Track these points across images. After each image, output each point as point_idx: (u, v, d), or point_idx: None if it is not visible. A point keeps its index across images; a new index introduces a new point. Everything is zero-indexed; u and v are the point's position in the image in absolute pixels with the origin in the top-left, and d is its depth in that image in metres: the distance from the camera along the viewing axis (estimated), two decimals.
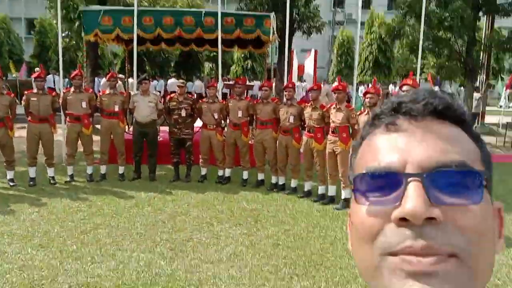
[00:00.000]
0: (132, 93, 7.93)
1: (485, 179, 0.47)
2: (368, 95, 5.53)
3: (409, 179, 0.45)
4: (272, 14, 8.86)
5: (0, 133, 6.56)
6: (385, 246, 0.45)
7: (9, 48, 24.58)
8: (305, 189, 6.64)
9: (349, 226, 0.55)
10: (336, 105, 6.09)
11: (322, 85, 17.31)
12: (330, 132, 6.17)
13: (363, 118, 5.63)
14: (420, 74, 23.02)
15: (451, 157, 0.46)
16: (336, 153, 6.05)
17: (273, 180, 7.01)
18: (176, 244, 4.65)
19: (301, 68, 18.39)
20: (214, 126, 7.17)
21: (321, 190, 6.44)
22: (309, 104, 6.49)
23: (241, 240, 4.79)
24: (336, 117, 6.03)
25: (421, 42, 8.17)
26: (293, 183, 6.81)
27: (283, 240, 4.84)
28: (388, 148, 0.49)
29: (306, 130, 6.53)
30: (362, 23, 25.16)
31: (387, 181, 0.47)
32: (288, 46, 13.51)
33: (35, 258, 4.24)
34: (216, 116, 7.11)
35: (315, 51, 17.84)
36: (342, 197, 6.11)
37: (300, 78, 18.04)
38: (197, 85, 19.75)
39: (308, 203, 6.29)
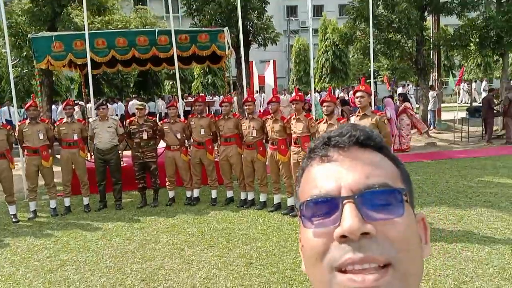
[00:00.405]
0: (90, 119, 7.75)
1: (405, 195, 0.56)
2: (324, 104, 5.64)
3: (344, 201, 0.54)
4: (226, 29, 8.93)
5: None
6: (331, 261, 0.53)
7: None
8: (275, 202, 6.67)
9: (301, 249, 0.61)
10: (295, 115, 6.17)
11: (282, 95, 17.54)
12: (292, 143, 6.24)
13: (322, 127, 5.73)
14: (376, 77, 23.78)
15: (374, 180, 0.55)
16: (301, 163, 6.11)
17: (242, 196, 7.00)
18: (147, 274, 4.54)
19: (261, 79, 18.60)
20: (178, 146, 7.10)
21: (290, 202, 6.48)
22: (270, 117, 6.55)
23: (213, 262, 4.74)
24: (297, 128, 6.11)
25: (371, 45, 8.43)
26: (262, 197, 6.83)
27: (256, 258, 4.82)
28: (324, 177, 0.57)
29: (270, 142, 6.58)
30: (316, 30, 25.81)
31: (327, 205, 0.55)
32: (246, 58, 13.65)
33: None
34: (179, 136, 7.05)
35: (274, 62, 18.08)
36: None
37: (261, 89, 18.22)
38: (159, 105, 19.59)
39: (278, 217, 6.31)
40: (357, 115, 5.44)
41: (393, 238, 0.53)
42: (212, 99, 18.97)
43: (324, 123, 5.73)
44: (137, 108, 7.37)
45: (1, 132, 6.64)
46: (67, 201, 7.16)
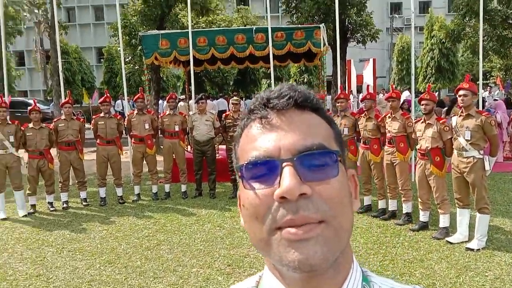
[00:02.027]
0: (190, 113, 8.24)
1: (339, 155, 0.59)
2: (423, 102, 5.32)
3: (283, 164, 0.56)
4: (322, 25, 8.85)
5: (71, 156, 7.09)
6: (271, 222, 0.55)
7: (82, 76, 26.54)
8: (364, 204, 6.48)
9: (239, 206, 0.63)
10: (391, 114, 5.92)
11: (380, 95, 16.87)
12: (386, 142, 6.00)
13: (419, 127, 5.42)
14: (488, 78, 21.70)
15: (312, 141, 0.58)
16: (394, 164, 5.86)
17: None
18: (233, 260, 4.73)
19: (359, 78, 18.08)
20: None
21: (381, 204, 6.25)
22: (363, 114, 6.37)
23: None
24: (392, 127, 5.86)
25: (481, 43, 7.70)
26: None
27: None
28: (264, 139, 0.59)
29: (362, 141, 6.40)
30: (422, 28, 24.37)
31: (266, 167, 0.57)
32: (343, 56, 13.39)
33: (103, 273, 4.51)
34: None
35: (374, 60, 17.48)
36: (404, 212, 5.87)
37: (360, 89, 17.72)
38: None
39: (367, 219, 6.12)
40: (460, 115, 5.06)
41: (327, 197, 0.56)
42: None
43: (422, 122, 5.41)
44: (232, 103, 7.66)
45: (113, 121, 7.36)
46: (167, 187, 7.71)
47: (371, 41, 14.47)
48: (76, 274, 4.51)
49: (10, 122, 6.69)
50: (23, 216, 6.68)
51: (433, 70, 22.02)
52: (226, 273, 4.42)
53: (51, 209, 7.02)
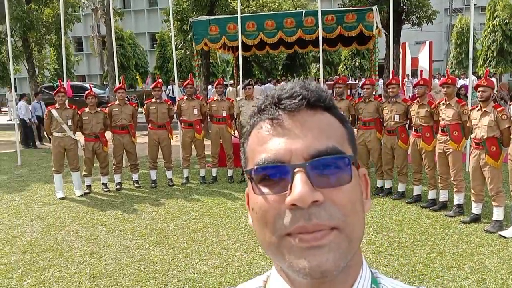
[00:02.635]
0: (238, 98, 8.30)
1: (352, 158, 0.57)
2: (479, 89, 5.02)
3: (295, 169, 0.54)
4: (375, 7, 8.54)
5: (124, 140, 7.39)
6: (282, 228, 0.54)
7: (136, 62, 27.40)
8: (414, 194, 6.28)
9: (247, 205, 0.62)
10: (445, 100, 5.65)
11: (436, 79, 16.14)
12: (439, 130, 5.75)
13: (475, 114, 5.14)
14: None
15: (325, 144, 0.56)
16: (447, 153, 5.61)
17: (379, 184, 6.75)
18: None
19: (414, 62, 17.35)
20: None
21: (431, 195, 6.02)
22: (415, 101, 6.13)
23: None
24: (446, 114, 5.59)
25: None
26: (401, 187, 6.48)
27: (386, 247, 4.65)
28: (275, 141, 0.57)
29: (413, 129, 6.17)
30: (483, 8, 22.89)
31: (277, 172, 0.55)
32: (397, 39, 12.88)
33: (151, 253, 4.72)
34: None
35: (430, 43, 16.69)
36: (455, 203, 5.63)
37: (415, 73, 17.02)
38: None
39: (416, 209, 5.94)
40: (478, 110, 5.06)
41: (340, 204, 0.55)
42: (355, 81, 18.45)
43: (478, 110, 5.12)
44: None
45: (163, 106, 7.57)
46: (214, 171, 7.87)
47: (427, 23, 13.80)
48: (127, 253, 4.74)
49: (68, 107, 7.06)
50: (79, 196, 7.09)
51: (495, 54, 20.67)
52: (269, 258, 4.46)
53: (105, 190, 7.39)
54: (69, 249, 4.89)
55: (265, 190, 0.56)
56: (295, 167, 0.54)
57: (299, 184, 0.53)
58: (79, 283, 4.05)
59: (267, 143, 0.58)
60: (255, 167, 0.57)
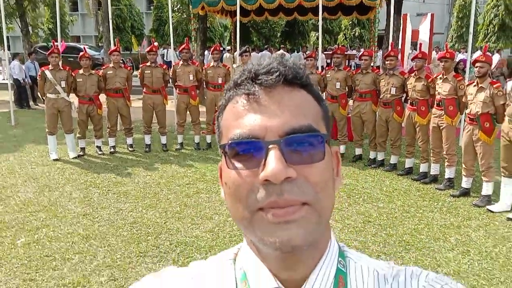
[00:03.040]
0: (234, 65, 8.21)
1: (326, 136, 0.58)
2: (477, 64, 4.99)
3: (269, 146, 0.54)
4: None
5: (119, 103, 7.34)
6: (254, 203, 0.55)
7: (132, 23, 26.80)
8: (406, 166, 6.34)
9: (220, 179, 0.62)
10: (442, 75, 5.62)
11: (434, 52, 15.98)
12: (435, 104, 5.75)
13: (471, 90, 5.13)
14: None
15: (300, 122, 0.56)
16: (441, 128, 5.64)
17: (372, 155, 6.80)
18: None
19: (415, 34, 17.12)
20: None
21: (423, 168, 6.10)
22: (412, 74, 6.09)
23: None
24: (443, 89, 5.58)
25: None
26: (393, 160, 6.54)
27: (375, 217, 4.74)
28: (250, 117, 0.57)
29: (409, 102, 6.17)
30: None
31: (251, 147, 0.56)
32: (398, 10, 12.64)
33: (144, 216, 4.78)
34: None
35: (432, 15, 16.41)
36: (446, 177, 5.71)
37: (415, 45, 16.84)
38: (295, 56, 19.72)
39: (407, 181, 6.02)
40: (474, 85, 5.05)
41: (313, 181, 0.55)
42: (354, 52, 18.26)
43: (474, 85, 5.11)
44: None
45: (158, 71, 7.48)
46: (208, 138, 7.87)
47: None
48: (120, 215, 4.80)
49: (62, 68, 6.95)
50: (73, 158, 7.09)
51: (496, 28, 20.41)
52: None
53: (99, 152, 7.39)
54: (63, 210, 4.94)
55: (238, 165, 0.56)
56: (269, 143, 0.54)
57: (272, 160, 0.53)
58: (72, 243, 4.12)
59: (242, 118, 0.58)
60: (229, 142, 0.57)
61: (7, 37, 10.64)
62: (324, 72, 7.19)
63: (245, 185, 0.55)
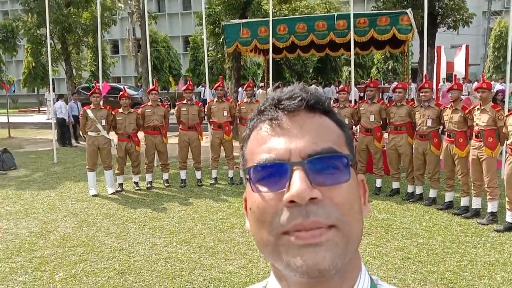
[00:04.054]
0: None
1: (350, 160, 0.58)
2: None
3: (294, 167, 0.54)
4: (409, 10, 8.39)
5: (156, 140, 7.55)
6: (279, 227, 0.54)
7: (169, 64, 27.90)
8: (446, 200, 6.12)
9: (245, 210, 0.62)
10: (480, 105, 5.49)
11: (471, 83, 15.63)
12: (473, 136, 5.59)
13: (511, 120, 4.97)
14: None
15: (323, 145, 0.56)
16: (481, 160, 5.45)
17: (409, 189, 6.62)
18: None
19: (450, 66, 16.89)
20: None
21: (463, 201, 5.86)
22: (449, 106, 5.98)
23: (368, 250, 4.67)
24: (481, 120, 5.43)
25: None
26: (432, 193, 6.32)
27: (415, 254, 4.55)
28: (274, 141, 0.58)
29: (446, 134, 6.02)
30: None
31: (276, 169, 0.55)
32: (432, 42, 12.59)
33: (179, 251, 4.79)
34: (346, 122, 7.02)
35: (466, 46, 16.20)
36: (489, 211, 5.45)
37: (450, 77, 16.59)
38: (327, 90, 19.72)
39: (447, 216, 5.78)
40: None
41: (338, 202, 0.54)
42: (386, 85, 18.12)
43: None
44: None
45: (194, 108, 7.69)
46: (242, 173, 7.91)
47: (464, 27, 13.42)
48: (155, 251, 4.84)
49: (102, 107, 7.28)
50: (111, 194, 7.29)
51: None
52: None
53: (136, 188, 7.56)
54: (100, 245, 5.04)
55: (263, 188, 0.56)
56: (293, 164, 0.54)
57: (297, 180, 0.53)
58: (108, 278, 4.17)
59: (266, 143, 0.58)
60: (254, 165, 0.57)
61: (53, 80, 11.27)
62: (357, 105, 7.17)
63: (270, 208, 0.55)
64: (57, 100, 13.43)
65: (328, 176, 0.55)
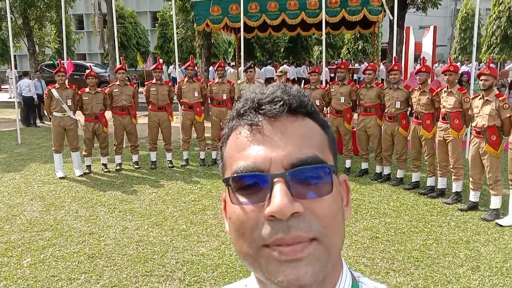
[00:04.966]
0: (238, 81, 8.25)
1: (333, 168, 0.56)
2: (482, 77, 4.99)
3: (274, 179, 0.52)
4: None
5: (125, 121, 7.38)
6: (259, 239, 0.53)
7: (137, 41, 27.13)
8: (412, 180, 6.30)
9: (224, 211, 0.61)
10: (447, 88, 5.62)
11: (437, 65, 15.98)
12: (440, 118, 5.74)
13: (477, 103, 5.12)
14: None
15: (305, 153, 0.54)
16: (447, 141, 5.62)
17: (378, 169, 6.77)
18: None
19: (418, 47, 17.15)
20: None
21: (430, 182, 6.05)
22: (417, 88, 6.10)
23: None
24: (448, 102, 5.57)
25: None
26: (399, 173, 6.50)
27: (383, 233, 4.69)
28: (254, 149, 0.55)
29: (414, 116, 6.15)
30: None
31: (256, 181, 0.54)
32: (401, 23, 12.71)
33: (150, 234, 4.76)
34: (317, 103, 7.05)
35: (434, 27, 16.43)
36: (453, 190, 5.66)
37: (417, 59, 16.91)
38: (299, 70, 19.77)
39: (414, 196, 5.97)
40: (480, 98, 5.07)
41: (320, 215, 0.53)
42: (356, 65, 18.33)
43: (480, 99, 5.10)
44: (277, 76, 7.61)
45: (164, 88, 7.53)
46: (214, 154, 7.88)
47: (433, 8, 13.62)
48: (126, 234, 4.78)
49: (68, 86, 7.02)
50: (79, 176, 7.11)
51: (498, 40, 20.45)
52: None
53: (105, 170, 7.41)
54: (69, 229, 4.94)
55: (243, 200, 0.54)
56: (274, 176, 0.52)
57: (278, 195, 0.51)
58: (78, 263, 4.10)
59: (245, 150, 0.56)
60: (233, 175, 0.55)
61: (14, 56, 10.77)
62: (328, 86, 7.21)
63: (250, 221, 0.53)
64: (20, 78, 12.87)
65: (311, 188, 0.53)
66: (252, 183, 0.54)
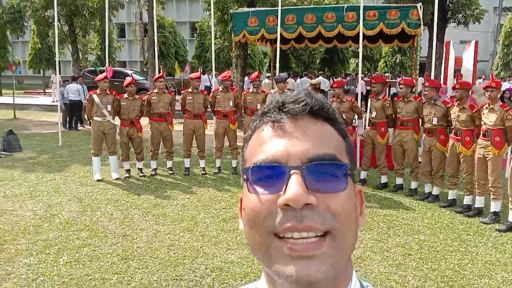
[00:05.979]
0: (272, 91, 8.30)
1: (349, 169, 0.57)
2: None
3: (291, 171, 0.54)
4: (419, 4, 8.28)
5: (161, 127, 7.56)
6: (271, 227, 0.54)
7: (176, 50, 27.81)
8: (449, 198, 6.12)
9: (240, 210, 0.62)
10: (488, 105, 5.46)
11: (479, 80, 15.51)
12: (481, 135, 5.57)
13: None
14: None
15: (323, 150, 0.56)
16: (487, 159, 5.44)
17: (413, 185, 6.62)
18: None
19: (458, 62, 16.72)
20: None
21: (466, 200, 5.86)
22: (456, 104, 5.95)
23: (370, 245, 4.69)
24: (489, 119, 5.40)
25: None
26: (436, 190, 6.33)
27: (416, 250, 4.57)
28: (274, 143, 0.57)
29: (453, 132, 6.00)
30: None
31: (274, 172, 0.55)
32: (441, 37, 12.46)
33: (181, 239, 4.83)
34: (344, 116, 6.92)
35: (476, 42, 16.03)
36: (491, 210, 5.46)
37: (457, 72, 16.48)
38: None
39: (450, 214, 5.79)
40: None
41: (334, 210, 0.54)
42: (392, 79, 18.02)
43: None
44: (310, 86, 7.59)
45: (199, 97, 7.68)
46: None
47: (474, 23, 13.28)
48: (158, 238, 4.88)
49: (108, 93, 7.27)
50: (115, 179, 7.32)
51: None
52: None
53: (140, 174, 7.59)
54: (103, 230, 5.09)
55: (259, 189, 0.55)
56: (291, 168, 0.54)
57: (294, 185, 0.52)
58: (111, 264, 4.22)
59: (266, 144, 0.58)
60: (252, 165, 0.57)
61: (59, 62, 11.26)
62: (353, 99, 7.16)
63: (264, 210, 0.54)
64: (65, 83, 13.41)
65: (326, 183, 0.55)
66: (270, 174, 0.55)
